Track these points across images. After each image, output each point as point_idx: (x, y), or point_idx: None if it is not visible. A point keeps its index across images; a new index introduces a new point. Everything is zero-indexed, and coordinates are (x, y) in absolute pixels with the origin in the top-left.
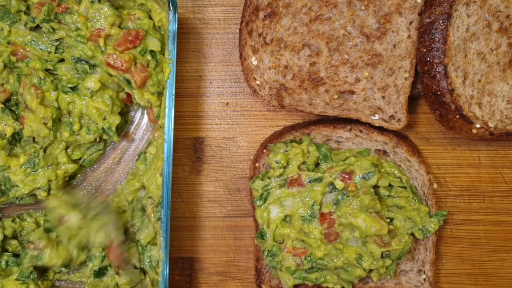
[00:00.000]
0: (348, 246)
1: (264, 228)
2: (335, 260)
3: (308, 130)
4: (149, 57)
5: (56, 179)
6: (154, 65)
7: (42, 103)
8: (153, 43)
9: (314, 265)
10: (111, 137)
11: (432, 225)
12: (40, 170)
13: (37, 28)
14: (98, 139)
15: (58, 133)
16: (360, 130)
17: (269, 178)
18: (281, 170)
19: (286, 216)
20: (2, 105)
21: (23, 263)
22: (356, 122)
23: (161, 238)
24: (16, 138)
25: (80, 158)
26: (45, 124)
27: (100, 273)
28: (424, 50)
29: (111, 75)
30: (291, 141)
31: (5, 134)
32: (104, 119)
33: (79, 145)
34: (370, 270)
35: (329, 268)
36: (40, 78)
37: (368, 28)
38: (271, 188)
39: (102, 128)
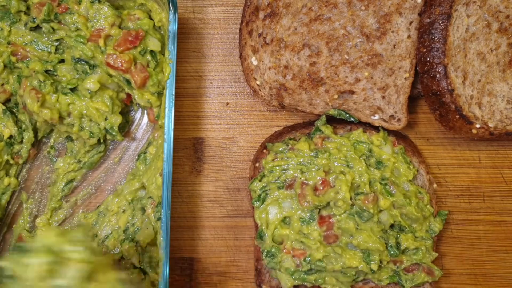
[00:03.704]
0: (347, 250)
1: (263, 229)
2: (333, 263)
3: (308, 130)
4: (149, 57)
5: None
6: (154, 65)
7: (42, 106)
8: (153, 43)
9: (313, 266)
10: (114, 136)
11: (437, 225)
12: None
13: (37, 28)
14: (102, 140)
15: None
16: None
17: (267, 179)
18: (276, 173)
19: (285, 217)
20: (4, 107)
21: None
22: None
23: (161, 238)
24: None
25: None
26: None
27: None
28: (424, 50)
29: (111, 76)
30: (290, 139)
31: (3, 136)
32: (106, 119)
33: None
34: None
35: (328, 270)
36: (40, 80)
37: (368, 28)
38: (269, 189)
39: (105, 128)
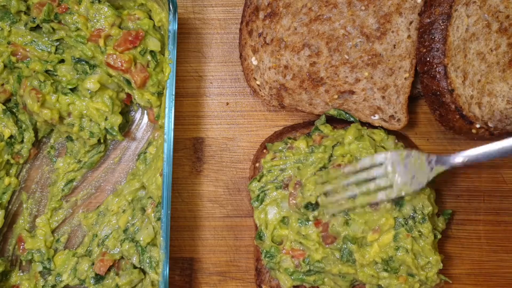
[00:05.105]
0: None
1: (262, 229)
2: (332, 265)
3: (308, 130)
4: (149, 57)
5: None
6: (154, 65)
7: (43, 106)
8: (153, 43)
9: (312, 268)
10: (114, 136)
11: (440, 225)
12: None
13: (37, 28)
14: (102, 140)
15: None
16: None
17: (266, 179)
18: (275, 173)
19: (284, 217)
20: (4, 107)
21: None
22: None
23: (161, 238)
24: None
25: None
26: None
27: (99, 277)
28: (424, 50)
29: (111, 76)
30: (289, 139)
31: (4, 136)
32: (106, 119)
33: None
34: None
35: (327, 271)
36: (40, 80)
37: (368, 28)
38: (268, 190)
39: (105, 128)
